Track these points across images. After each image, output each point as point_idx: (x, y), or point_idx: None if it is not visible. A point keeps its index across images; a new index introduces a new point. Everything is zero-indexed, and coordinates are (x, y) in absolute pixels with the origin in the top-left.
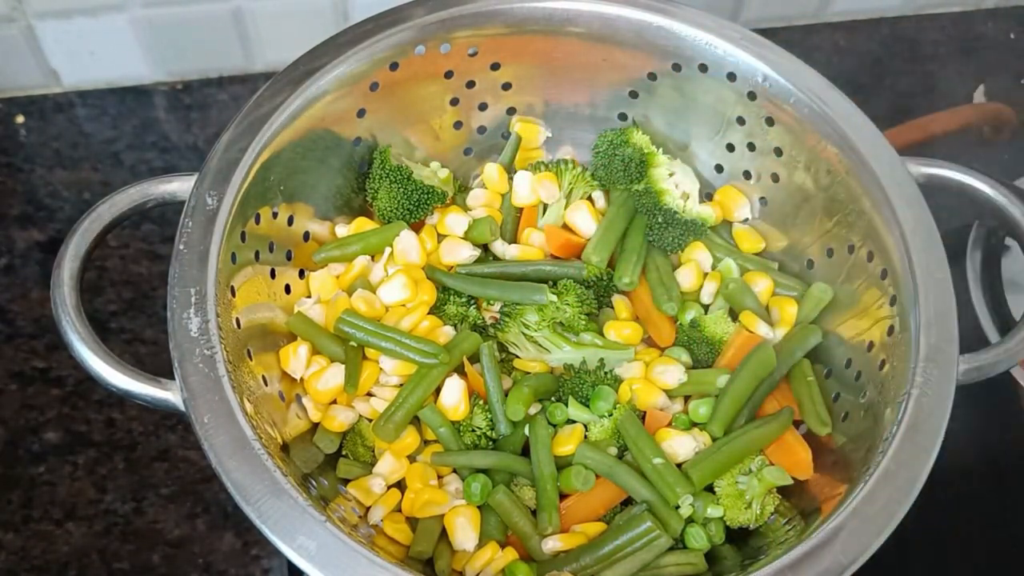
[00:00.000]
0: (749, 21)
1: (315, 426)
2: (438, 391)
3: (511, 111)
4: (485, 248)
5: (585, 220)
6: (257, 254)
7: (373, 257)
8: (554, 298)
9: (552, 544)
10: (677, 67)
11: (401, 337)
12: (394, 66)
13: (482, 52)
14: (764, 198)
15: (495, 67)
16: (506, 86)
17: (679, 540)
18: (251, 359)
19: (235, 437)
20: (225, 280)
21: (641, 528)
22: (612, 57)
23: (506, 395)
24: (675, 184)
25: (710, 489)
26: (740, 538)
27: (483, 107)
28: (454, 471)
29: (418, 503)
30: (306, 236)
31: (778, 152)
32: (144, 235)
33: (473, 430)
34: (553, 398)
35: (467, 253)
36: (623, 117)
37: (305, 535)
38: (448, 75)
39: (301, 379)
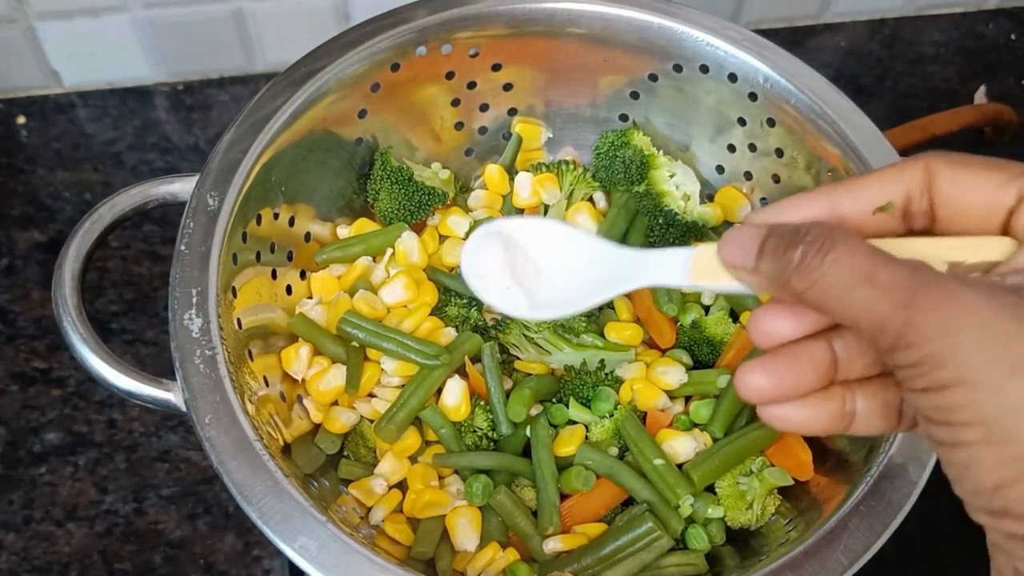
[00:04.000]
0: (750, 22)
1: (316, 427)
2: (439, 392)
3: (512, 112)
4: None
5: (586, 221)
6: (258, 255)
7: (375, 258)
8: None
9: (553, 545)
10: (678, 68)
11: (403, 338)
12: (395, 67)
13: (483, 53)
14: (765, 199)
15: (496, 68)
16: (507, 87)
17: (680, 541)
18: (252, 360)
19: (236, 438)
20: (226, 281)
21: (642, 529)
22: (613, 58)
23: (507, 396)
24: (676, 185)
25: (711, 490)
26: (741, 539)
27: (484, 108)
28: (455, 472)
29: (419, 504)
30: (307, 237)
31: (779, 153)
32: (145, 236)
33: (474, 431)
34: (554, 399)
35: None
36: (624, 118)
37: (306, 536)
38: (449, 76)
39: (303, 380)
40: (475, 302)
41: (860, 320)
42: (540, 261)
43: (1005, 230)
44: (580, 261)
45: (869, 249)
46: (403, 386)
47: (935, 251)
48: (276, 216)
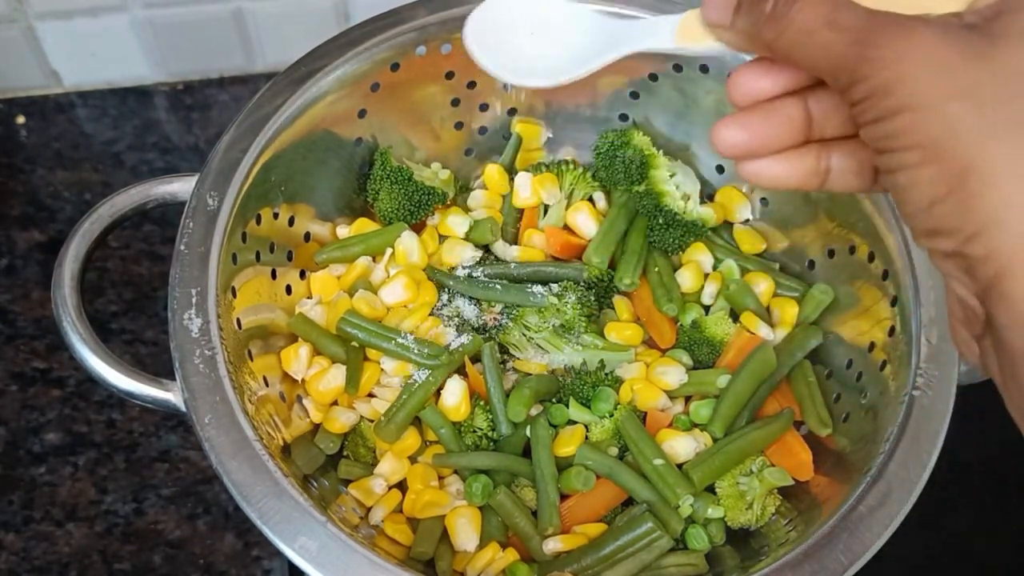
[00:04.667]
0: None
1: (316, 427)
2: (439, 392)
3: (512, 112)
4: (486, 249)
5: (586, 221)
6: (258, 255)
7: (374, 258)
8: (555, 300)
9: (553, 545)
10: (678, 68)
11: (403, 338)
12: (395, 67)
13: None
14: (765, 199)
15: None
16: (507, 87)
17: (680, 541)
18: (252, 360)
19: (236, 438)
20: (226, 281)
21: (642, 529)
22: None
23: (507, 396)
24: (676, 185)
25: (711, 490)
26: (741, 539)
27: (484, 108)
28: (455, 472)
29: (419, 504)
30: (307, 237)
31: None
32: (145, 236)
33: (474, 431)
34: (554, 399)
35: (469, 254)
36: (624, 118)
37: (306, 536)
38: (449, 76)
39: (302, 380)
40: (475, 302)
41: (821, 62)
42: (536, 31)
43: None
44: (573, 30)
45: None
46: (403, 386)
47: (904, 4)
48: (276, 216)
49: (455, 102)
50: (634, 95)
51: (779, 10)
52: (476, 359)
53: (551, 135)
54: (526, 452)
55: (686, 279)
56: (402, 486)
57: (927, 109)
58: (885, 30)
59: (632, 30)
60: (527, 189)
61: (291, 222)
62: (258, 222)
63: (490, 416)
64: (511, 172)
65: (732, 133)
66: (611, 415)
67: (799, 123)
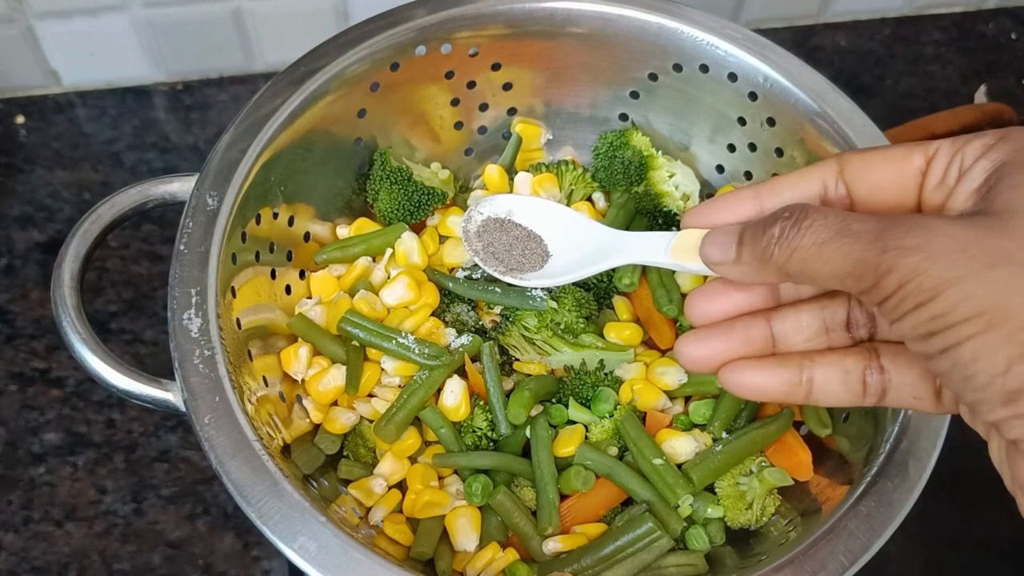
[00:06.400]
0: (750, 21)
1: (316, 427)
2: (439, 392)
3: (512, 112)
4: None
5: None
6: (258, 255)
7: (374, 258)
8: (553, 304)
9: (553, 545)
10: (678, 68)
11: (404, 338)
12: (395, 66)
13: (483, 52)
14: None
15: (496, 67)
16: (507, 86)
17: (680, 541)
18: (252, 360)
19: (236, 438)
20: (226, 281)
21: (642, 529)
22: (613, 57)
23: (507, 396)
24: (675, 186)
25: (711, 490)
26: (740, 539)
27: (484, 108)
28: (455, 472)
29: (419, 504)
30: (307, 237)
31: (779, 152)
32: (144, 236)
33: (474, 431)
34: (554, 399)
35: (469, 255)
36: (624, 117)
37: (306, 536)
38: (449, 75)
39: (302, 380)
40: (474, 304)
41: (842, 268)
42: (542, 236)
43: (920, 192)
44: (578, 238)
45: (838, 211)
46: (403, 386)
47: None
48: (275, 216)
49: (455, 102)
50: (634, 95)
51: (789, 232)
52: (477, 359)
53: (551, 136)
54: (526, 452)
55: (686, 280)
56: (402, 486)
57: (970, 278)
58: (900, 224)
59: (631, 242)
60: (527, 189)
61: (291, 222)
62: (258, 222)
63: (490, 416)
64: (511, 172)
65: (690, 348)
66: (611, 415)
67: (759, 341)
